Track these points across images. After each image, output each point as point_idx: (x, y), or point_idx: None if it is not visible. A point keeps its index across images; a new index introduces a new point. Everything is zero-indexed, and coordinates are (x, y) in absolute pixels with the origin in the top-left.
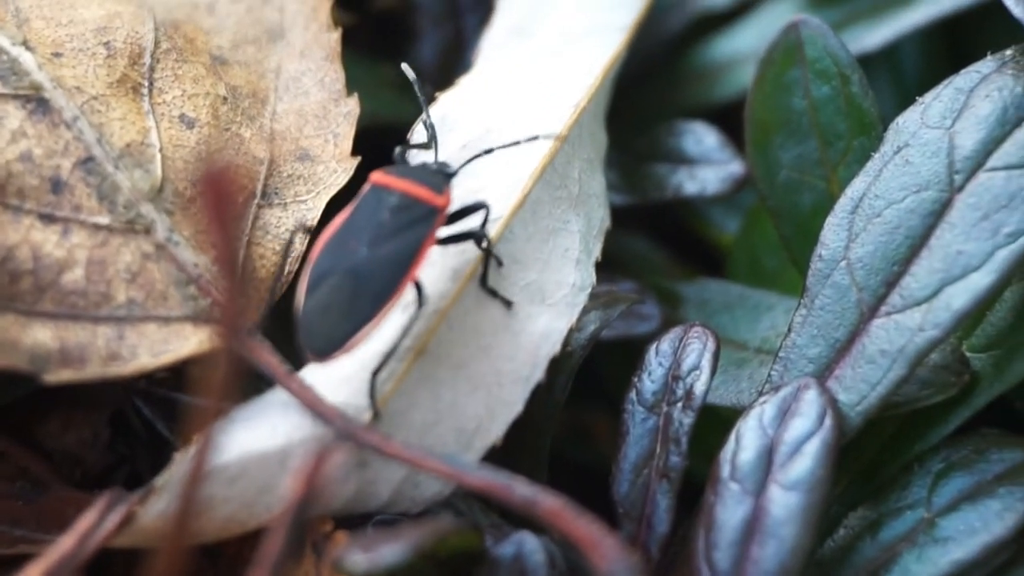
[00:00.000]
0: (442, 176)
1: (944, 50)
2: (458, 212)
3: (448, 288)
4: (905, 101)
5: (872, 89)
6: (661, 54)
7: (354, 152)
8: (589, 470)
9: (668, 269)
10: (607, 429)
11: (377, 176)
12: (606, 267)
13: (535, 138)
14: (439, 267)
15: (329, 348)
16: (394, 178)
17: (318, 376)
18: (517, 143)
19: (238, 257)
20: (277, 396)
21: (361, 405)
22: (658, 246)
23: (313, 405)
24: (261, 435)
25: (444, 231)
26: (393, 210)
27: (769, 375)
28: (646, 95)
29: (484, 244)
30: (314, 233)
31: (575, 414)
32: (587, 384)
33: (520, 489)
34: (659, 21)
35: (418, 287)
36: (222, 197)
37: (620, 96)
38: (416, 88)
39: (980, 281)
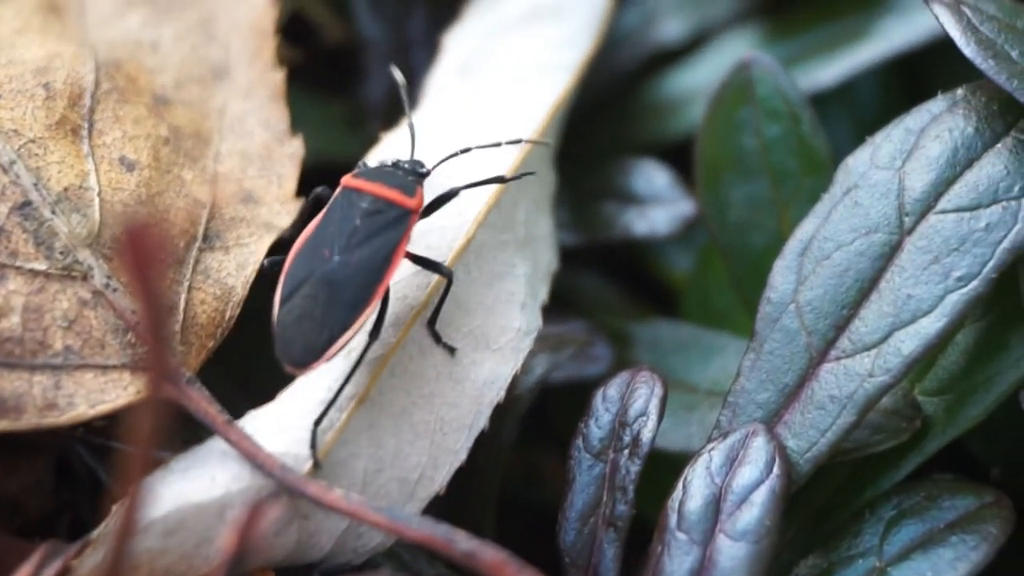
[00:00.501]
0: (414, 176)
1: (901, 84)
2: (429, 206)
3: (390, 335)
4: (862, 137)
5: (828, 124)
6: (614, 89)
7: (298, 193)
8: (540, 512)
9: (620, 307)
10: (558, 470)
11: (348, 179)
12: (557, 306)
13: (517, 141)
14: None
15: (307, 358)
16: (364, 181)
17: (258, 425)
18: (498, 144)
19: (164, 315)
20: (216, 445)
21: (301, 455)
22: (610, 283)
23: (252, 455)
24: (200, 486)
25: (414, 249)
26: (364, 214)
27: (718, 420)
28: (598, 131)
29: (448, 280)
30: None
31: (526, 455)
32: (538, 425)
33: (461, 542)
34: (612, 56)
35: (385, 298)
36: (146, 256)
37: (572, 132)
38: (401, 91)
39: (930, 326)
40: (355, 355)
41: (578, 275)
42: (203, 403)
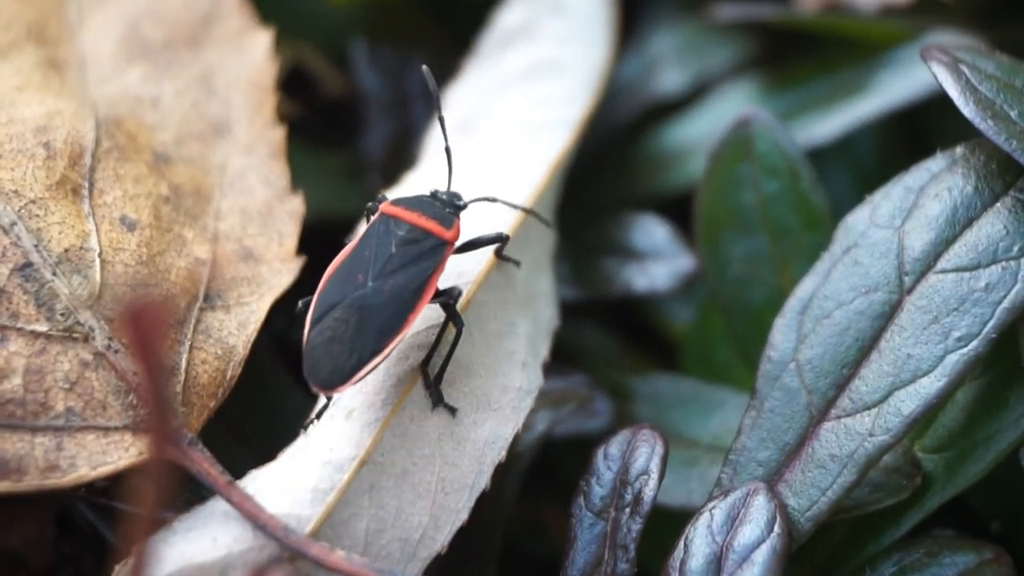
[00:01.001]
0: (452, 208)
1: (901, 138)
2: (469, 244)
3: (391, 396)
4: (862, 191)
5: (827, 178)
6: (613, 142)
7: (299, 251)
8: (544, 565)
9: (621, 361)
10: (562, 523)
11: (387, 206)
12: (558, 359)
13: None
14: (381, 372)
15: (334, 381)
16: (403, 209)
17: (259, 485)
18: (527, 210)
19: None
20: (218, 506)
21: (303, 515)
22: (611, 336)
23: (254, 516)
24: (202, 547)
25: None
26: (401, 242)
27: (719, 478)
28: (598, 185)
29: (459, 329)
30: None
31: (530, 508)
32: (542, 477)
33: None
34: (611, 107)
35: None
36: (147, 331)
37: (572, 186)
38: (436, 103)
39: (930, 386)
40: (360, 418)
41: (579, 328)
42: (205, 464)
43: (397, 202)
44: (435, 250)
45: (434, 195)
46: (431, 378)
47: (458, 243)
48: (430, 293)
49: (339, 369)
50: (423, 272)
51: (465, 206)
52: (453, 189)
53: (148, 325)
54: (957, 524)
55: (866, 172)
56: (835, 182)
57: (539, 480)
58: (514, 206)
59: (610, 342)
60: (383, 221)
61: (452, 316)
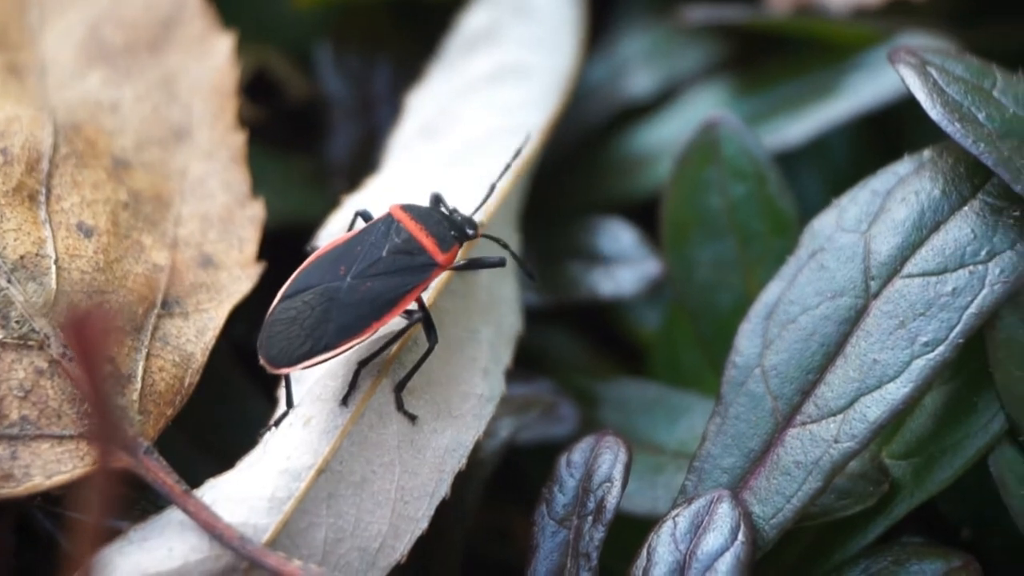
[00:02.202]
0: (459, 233)
1: (873, 139)
2: (469, 264)
3: (351, 402)
4: (833, 193)
5: (799, 180)
6: (581, 145)
7: (260, 257)
8: (510, 572)
9: (588, 366)
10: (527, 529)
11: (396, 209)
12: (524, 366)
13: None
14: (341, 380)
15: (280, 361)
16: (409, 217)
17: (216, 495)
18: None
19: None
20: (175, 515)
21: (260, 525)
22: (579, 342)
23: (209, 525)
24: (157, 556)
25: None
26: (393, 249)
27: (684, 486)
28: (565, 189)
29: (431, 345)
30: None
31: (496, 515)
32: (509, 484)
33: None
34: (579, 111)
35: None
36: (91, 341)
37: (539, 190)
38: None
39: (896, 392)
40: (317, 426)
41: (546, 334)
42: (160, 473)
43: (408, 208)
44: (423, 268)
45: (451, 213)
46: (395, 385)
47: (456, 264)
48: (402, 308)
49: (288, 352)
50: (403, 286)
51: (475, 236)
52: (478, 216)
53: (93, 333)
54: (927, 531)
55: (838, 175)
56: (807, 185)
57: (506, 487)
58: (520, 262)
59: (578, 347)
60: (386, 222)
61: (427, 330)
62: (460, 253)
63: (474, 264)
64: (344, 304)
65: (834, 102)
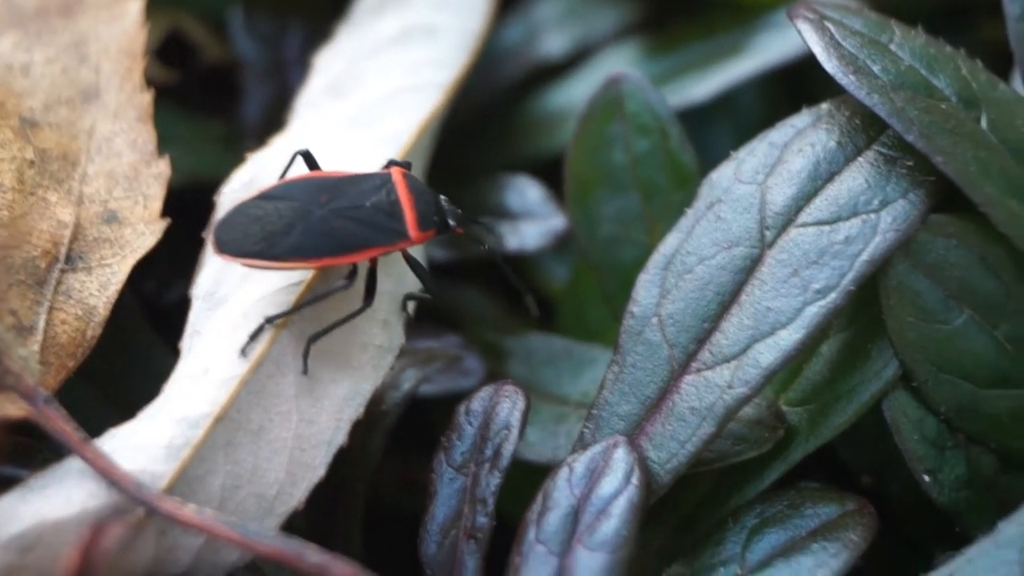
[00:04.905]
0: (440, 219)
1: (785, 95)
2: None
3: (249, 352)
4: None
5: (711, 136)
6: (494, 105)
7: (165, 213)
8: (417, 522)
9: (499, 321)
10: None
11: (397, 173)
12: (437, 320)
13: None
14: (241, 331)
15: (228, 249)
16: (405, 186)
17: (116, 444)
18: None
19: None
20: (74, 464)
21: (158, 472)
22: (491, 297)
23: (107, 472)
24: (56, 503)
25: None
26: (377, 205)
27: (581, 433)
28: (477, 147)
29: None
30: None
31: (404, 466)
32: (417, 436)
33: (311, 556)
34: (494, 71)
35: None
36: None
37: (451, 148)
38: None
39: (789, 338)
40: (216, 376)
41: (459, 290)
42: (60, 422)
43: (408, 176)
44: (394, 234)
45: (447, 201)
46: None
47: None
48: (357, 259)
49: (239, 244)
50: (370, 240)
51: (453, 230)
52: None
53: None
54: (828, 478)
55: (749, 130)
56: (718, 140)
57: (416, 440)
58: (505, 270)
59: (489, 303)
60: (382, 178)
61: (367, 292)
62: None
63: (418, 269)
64: (311, 229)
65: (741, 60)
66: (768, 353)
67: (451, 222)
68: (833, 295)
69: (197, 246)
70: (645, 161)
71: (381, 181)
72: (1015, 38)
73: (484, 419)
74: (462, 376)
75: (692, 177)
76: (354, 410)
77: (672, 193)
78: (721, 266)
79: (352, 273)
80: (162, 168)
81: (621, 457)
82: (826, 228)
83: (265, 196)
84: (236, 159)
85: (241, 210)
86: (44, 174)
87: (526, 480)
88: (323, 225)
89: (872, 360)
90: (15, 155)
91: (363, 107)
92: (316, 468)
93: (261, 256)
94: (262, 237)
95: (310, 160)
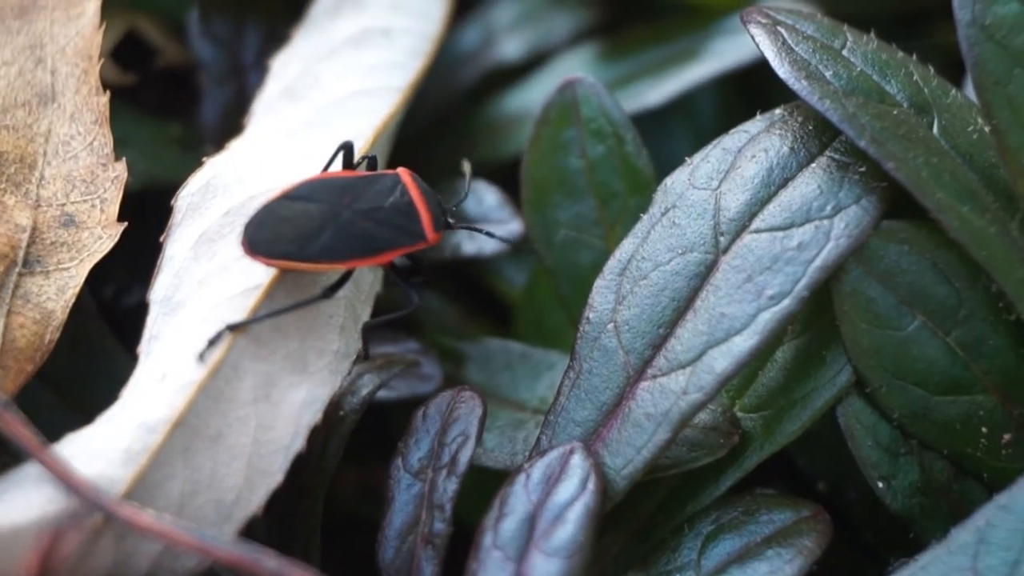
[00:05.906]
0: (446, 221)
1: (742, 99)
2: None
3: (207, 358)
4: None
5: (669, 140)
6: (452, 109)
7: (122, 217)
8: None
9: (458, 326)
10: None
11: (406, 174)
12: (394, 326)
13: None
14: (201, 336)
15: (260, 250)
16: (415, 187)
17: (74, 449)
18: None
19: None
20: (32, 469)
21: (116, 477)
22: (450, 303)
23: (65, 477)
24: (15, 508)
25: None
26: (396, 206)
27: (538, 439)
28: (434, 151)
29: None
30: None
31: (362, 471)
32: (376, 442)
33: (267, 562)
34: (451, 75)
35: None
36: None
37: (408, 152)
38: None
39: (743, 344)
40: (173, 381)
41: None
42: (18, 427)
43: (415, 178)
44: (414, 236)
45: (453, 205)
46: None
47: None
48: (380, 261)
49: (271, 245)
50: (393, 242)
51: (451, 227)
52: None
53: None
54: (785, 485)
55: (706, 134)
56: (675, 145)
57: (374, 446)
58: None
59: (449, 309)
60: (392, 179)
61: (409, 290)
62: None
63: (404, 280)
64: (341, 231)
65: (697, 65)
66: (722, 359)
67: (450, 220)
68: (787, 301)
69: (155, 250)
70: (601, 166)
71: (392, 182)
72: (966, 44)
73: (441, 425)
74: (420, 381)
75: (648, 182)
76: (312, 416)
77: (628, 198)
78: (676, 272)
79: (336, 285)
80: (119, 171)
81: (577, 463)
82: (779, 234)
83: (290, 196)
84: (194, 162)
85: (270, 211)
86: (1, 177)
87: (484, 485)
88: (352, 227)
89: (826, 366)
90: None
91: (320, 110)
92: (274, 474)
93: (293, 257)
94: (295, 239)
95: (349, 154)
